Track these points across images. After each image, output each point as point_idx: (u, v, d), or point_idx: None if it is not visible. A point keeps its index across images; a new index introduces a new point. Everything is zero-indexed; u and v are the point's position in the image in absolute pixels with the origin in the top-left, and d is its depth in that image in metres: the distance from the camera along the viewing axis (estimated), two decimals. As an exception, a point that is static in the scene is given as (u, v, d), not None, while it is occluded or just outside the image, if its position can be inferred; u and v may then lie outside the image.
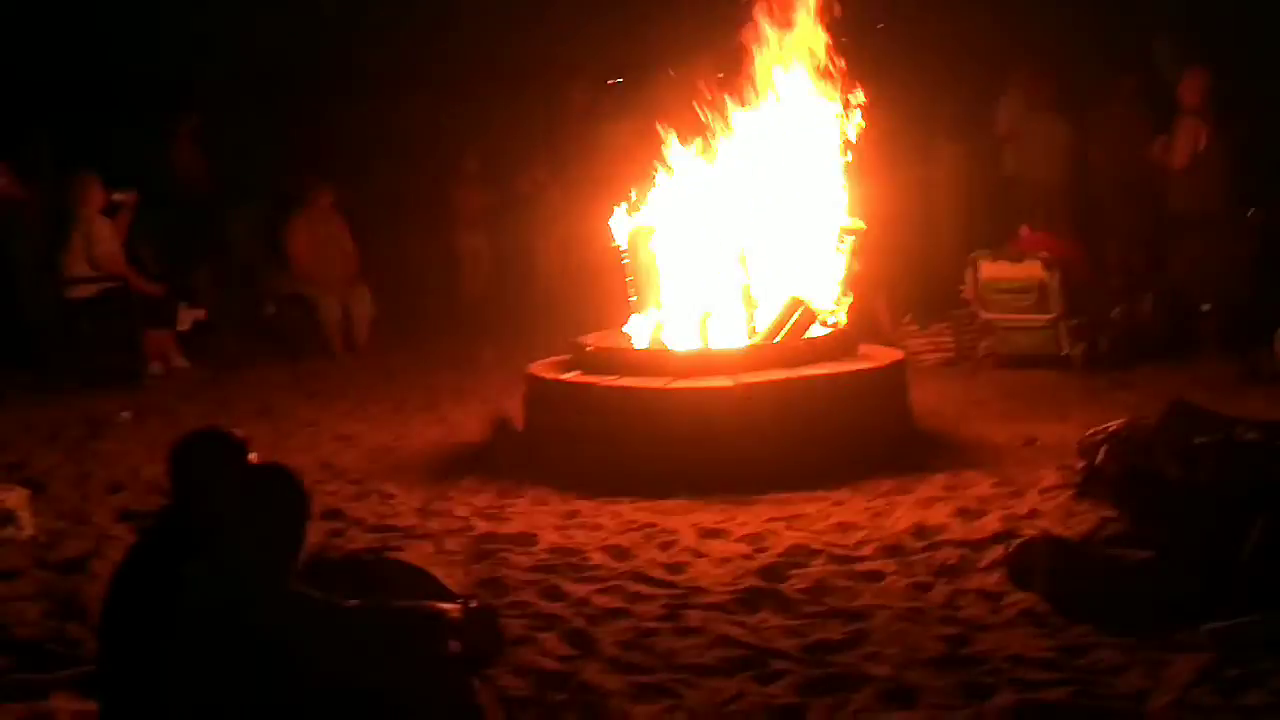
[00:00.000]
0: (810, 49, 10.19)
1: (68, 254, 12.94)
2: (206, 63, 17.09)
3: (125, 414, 11.19)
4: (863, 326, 10.29)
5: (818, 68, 10.20)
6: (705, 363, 9.29)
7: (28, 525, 8.22)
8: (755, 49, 10.28)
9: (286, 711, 4.64)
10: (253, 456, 5.26)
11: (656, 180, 10.20)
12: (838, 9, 10.13)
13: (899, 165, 11.19)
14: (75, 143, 16.09)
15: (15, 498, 8.46)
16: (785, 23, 10.19)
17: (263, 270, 14.81)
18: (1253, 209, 12.91)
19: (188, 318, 13.37)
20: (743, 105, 10.26)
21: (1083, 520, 7.27)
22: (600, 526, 7.88)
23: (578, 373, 9.47)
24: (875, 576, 6.90)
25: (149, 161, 15.99)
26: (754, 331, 9.64)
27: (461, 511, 8.32)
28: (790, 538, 7.49)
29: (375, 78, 17.74)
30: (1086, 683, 5.56)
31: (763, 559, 7.17)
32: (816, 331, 9.67)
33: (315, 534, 5.44)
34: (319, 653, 4.76)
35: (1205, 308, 12.19)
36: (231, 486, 4.96)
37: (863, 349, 9.80)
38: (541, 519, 8.07)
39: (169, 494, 5.55)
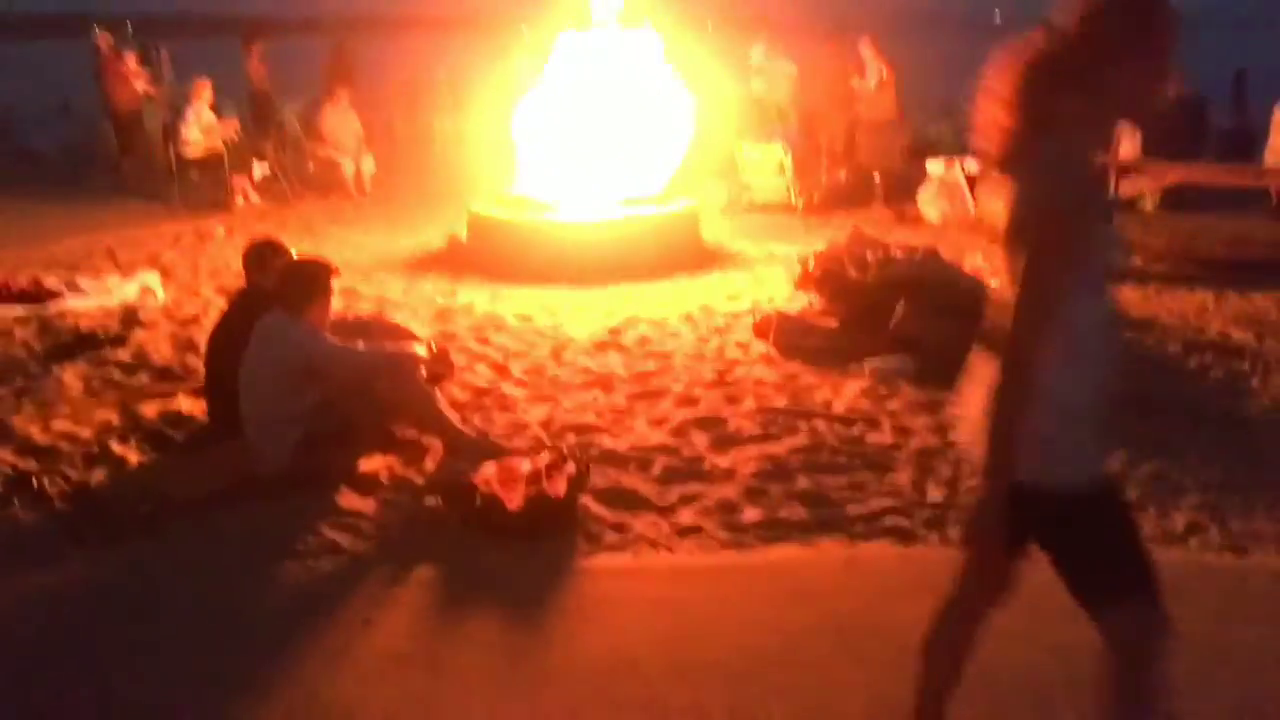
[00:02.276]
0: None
1: (185, 128, 12.34)
2: (272, 6, 16.29)
3: (220, 229, 10.78)
4: (677, 185, 10.06)
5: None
6: (580, 207, 9.09)
7: (161, 295, 7.97)
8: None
9: (317, 408, 4.58)
10: (294, 255, 5.11)
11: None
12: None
13: (702, 86, 10.79)
14: (189, 57, 15.28)
15: (153, 279, 8.23)
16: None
17: (305, 141, 14.21)
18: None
19: (259, 170, 12.85)
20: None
21: (799, 301, 7.32)
22: (513, 301, 7.78)
23: (500, 210, 9.25)
24: (676, 334, 6.93)
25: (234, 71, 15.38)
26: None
27: (428, 291, 8.17)
28: (626, 310, 7.48)
29: (382, 21, 16.99)
30: (797, 395, 5.69)
31: (609, 322, 7.17)
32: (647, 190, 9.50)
33: (337, 302, 5.27)
34: (339, 375, 4.69)
35: (876, 177, 12.20)
36: (280, 272, 4.84)
37: (674, 198, 9.60)
38: (477, 296, 7.95)
39: (246, 278, 5.38)
